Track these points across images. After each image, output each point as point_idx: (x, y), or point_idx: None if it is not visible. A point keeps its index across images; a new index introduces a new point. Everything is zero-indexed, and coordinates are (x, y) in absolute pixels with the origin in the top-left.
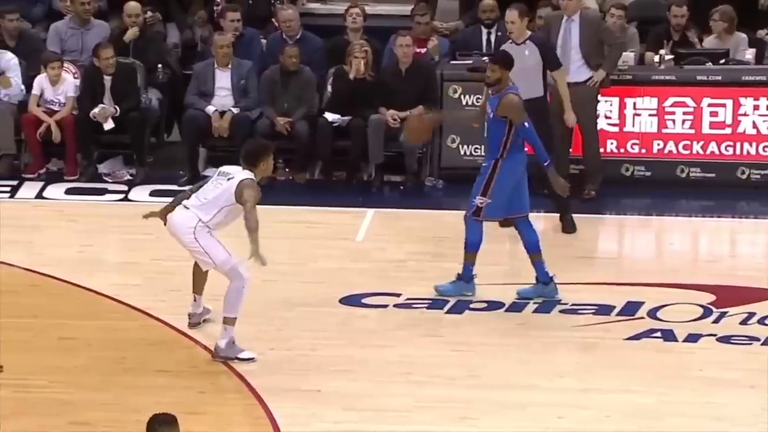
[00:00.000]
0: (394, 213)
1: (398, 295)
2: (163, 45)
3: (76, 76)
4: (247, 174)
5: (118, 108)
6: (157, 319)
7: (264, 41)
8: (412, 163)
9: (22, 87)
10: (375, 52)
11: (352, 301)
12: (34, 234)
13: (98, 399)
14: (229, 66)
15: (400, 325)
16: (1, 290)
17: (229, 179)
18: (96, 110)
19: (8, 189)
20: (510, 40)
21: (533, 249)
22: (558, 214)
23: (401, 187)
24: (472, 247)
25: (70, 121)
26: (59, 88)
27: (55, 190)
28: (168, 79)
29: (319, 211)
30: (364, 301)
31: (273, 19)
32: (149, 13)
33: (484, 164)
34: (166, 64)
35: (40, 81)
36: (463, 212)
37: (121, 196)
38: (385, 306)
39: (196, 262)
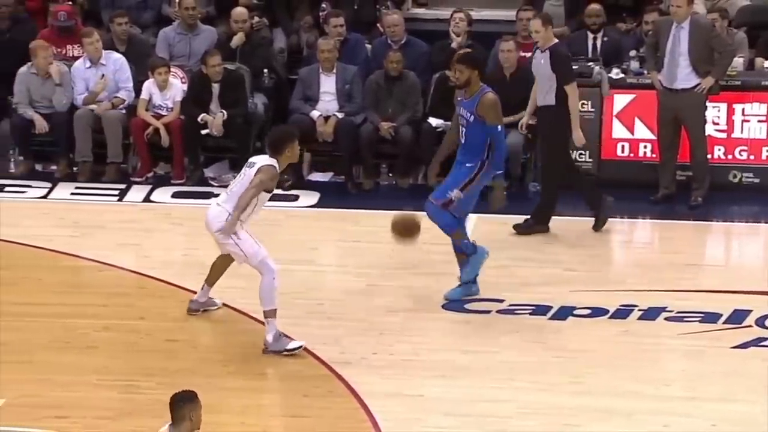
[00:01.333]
0: (497, 218)
1: (501, 301)
2: (270, 50)
3: (183, 81)
4: (268, 160)
5: (225, 112)
6: (260, 322)
7: (369, 46)
8: (516, 169)
9: (130, 88)
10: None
11: (454, 306)
12: (142, 237)
13: (203, 401)
14: (334, 71)
15: (502, 331)
16: (110, 292)
17: (251, 167)
18: (206, 118)
19: (116, 192)
20: (539, 49)
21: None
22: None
23: (505, 192)
24: (451, 227)
25: (178, 125)
26: (167, 93)
27: (162, 194)
28: (274, 84)
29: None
30: (467, 306)
31: (378, 24)
32: (256, 19)
33: (467, 164)
34: (272, 69)
35: (149, 86)
36: (564, 218)
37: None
38: (488, 312)
39: (219, 255)
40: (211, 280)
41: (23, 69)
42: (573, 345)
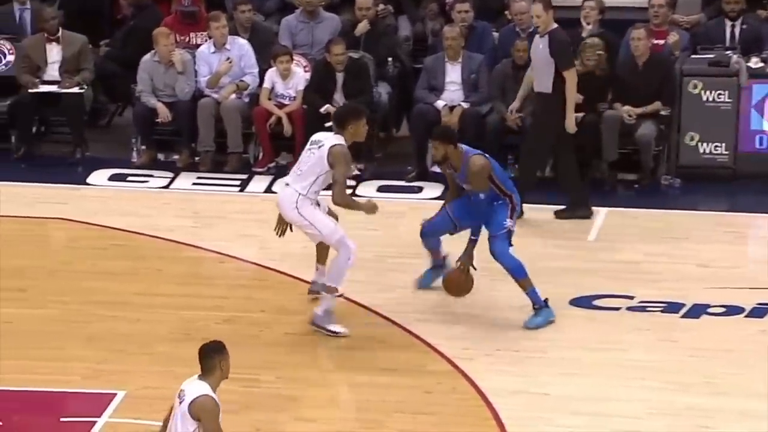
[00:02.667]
0: (628, 212)
1: (631, 298)
2: (394, 38)
3: (306, 69)
4: (336, 139)
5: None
6: (382, 316)
7: (496, 34)
8: (648, 161)
9: (255, 74)
10: (610, 46)
11: (582, 302)
12: (263, 228)
13: (323, 396)
14: (460, 59)
15: (632, 328)
16: (231, 284)
17: (320, 147)
18: (329, 109)
19: (238, 183)
20: (539, 34)
21: (437, 247)
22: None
23: (636, 186)
24: (521, 273)
25: (300, 114)
26: (290, 81)
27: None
28: (398, 73)
29: (550, 209)
30: (596, 303)
31: (506, 12)
32: (381, 6)
33: (496, 203)
34: (397, 58)
35: (271, 75)
36: (698, 212)
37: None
38: (617, 309)
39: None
40: (321, 259)
41: (146, 57)
42: (707, 344)
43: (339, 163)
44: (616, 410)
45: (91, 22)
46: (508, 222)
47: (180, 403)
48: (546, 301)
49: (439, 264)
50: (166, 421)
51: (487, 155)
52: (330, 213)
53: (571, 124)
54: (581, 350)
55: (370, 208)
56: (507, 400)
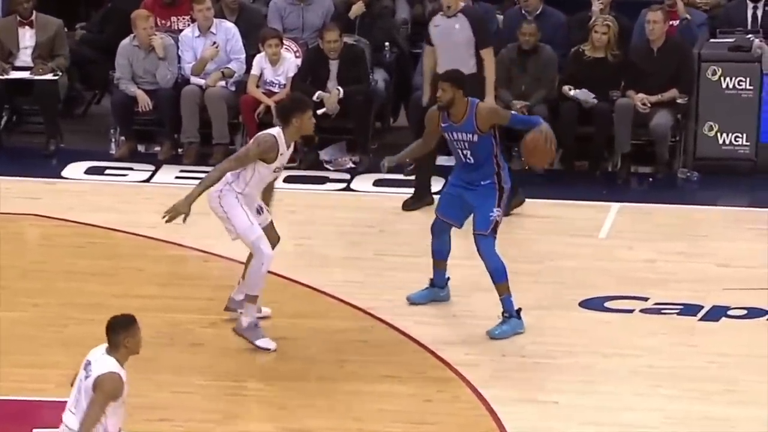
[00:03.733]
0: (642, 208)
1: (645, 299)
2: (392, 21)
3: (297, 55)
4: (271, 130)
5: (341, 89)
6: (381, 320)
7: (501, 17)
8: (664, 153)
9: (242, 60)
10: (622, 30)
11: (593, 304)
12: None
13: (316, 405)
14: None
15: (647, 332)
16: (217, 285)
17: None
18: (322, 95)
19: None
20: (440, 12)
21: (443, 257)
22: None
23: (650, 179)
24: (500, 276)
25: None
26: (279, 68)
27: None
28: (395, 59)
29: (559, 204)
30: (607, 305)
31: None
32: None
33: (483, 182)
34: (394, 42)
35: (260, 60)
36: (717, 208)
37: (343, 185)
38: (631, 311)
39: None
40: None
41: (125, 41)
42: (727, 349)
43: (256, 141)
44: (630, 420)
45: (66, 3)
46: (495, 213)
47: (86, 377)
48: (519, 311)
49: (439, 284)
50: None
51: None
52: (260, 211)
53: (489, 101)
54: (592, 356)
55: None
56: (513, 409)
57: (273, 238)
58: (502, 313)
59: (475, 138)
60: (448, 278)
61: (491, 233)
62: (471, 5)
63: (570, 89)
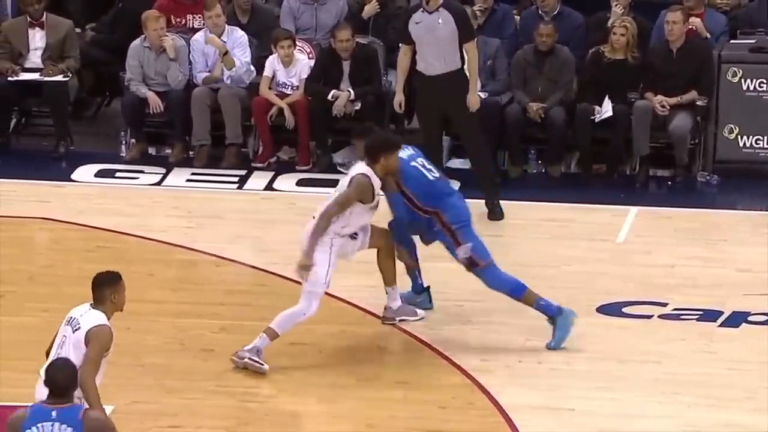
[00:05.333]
0: (660, 212)
1: (664, 305)
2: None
3: (310, 56)
4: (362, 169)
5: (352, 91)
6: (395, 325)
7: (518, 18)
8: (683, 156)
9: (252, 68)
10: (641, 30)
11: (611, 310)
12: (263, 229)
13: (329, 411)
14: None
15: (666, 338)
16: (228, 290)
17: (347, 177)
18: (337, 94)
19: (236, 179)
20: (420, 9)
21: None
22: (484, 201)
23: (669, 183)
24: (519, 292)
25: (303, 105)
26: (292, 69)
27: (286, 182)
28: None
29: (576, 208)
30: (625, 310)
31: None
32: None
33: (434, 228)
34: None
35: (272, 62)
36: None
37: None
38: (649, 316)
39: (378, 254)
40: (389, 281)
41: (136, 42)
42: (747, 356)
43: (355, 186)
44: (648, 428)
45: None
46: (461, 253)
47: (74, 331)
48: (559, 308)
49: (416, 290)
50: (48, 352)
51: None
52: (354, 237)
53: (475, 101)
54: (610, 362)
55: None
56: (528, 416)
57: (382, 235)
58: (548, 321)
59: (390, 197)
60: (428, 287)
61: (476, 267)
62: (453, 0)
63: (597, 114)
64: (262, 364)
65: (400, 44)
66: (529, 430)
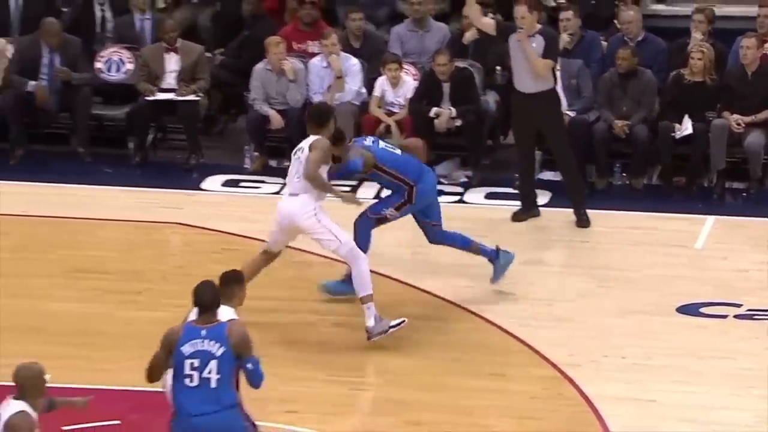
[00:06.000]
0: (736, 221)
1: (739, 306)
2: (503, 46)
3: (416, 78)
4: (314, 137)
5: (453, 109)
6: (490, 322)
7: (605, 43)
8: (757, 170)
9: (363, 90)
10: (719, 55)
11: (689, 310)
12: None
13: (431, 400)
14: (558, 65)
15: (741, 336)
16: None
17: (303, 151)
18: (438, 111)
19: (347, 189)
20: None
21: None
22: (572, 210)
23: (744, 194)
24: (466, 243)
25: (409, 122)
26: (399, 90)
27: None
28: (506, 81)
29: (657, 217)
30: (703, 310)
31: (615, 21)
32: (490, 15)
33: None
34: (505, 66)
35: (381, 83)
36: None
37: (457, 198)
38: (725, 316)
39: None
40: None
41: (259, 65)
42: None
43: (316, 148)
44: (724, 419)
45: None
46: (388, 211)
47: None
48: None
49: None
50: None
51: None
52: None
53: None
54: (688, 358)
55: (348, 199)
56: (613, 406)
57: None
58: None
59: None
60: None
61: (376, 221)
62: (547, 26)
63: (678, 131)
64: (395, 323)
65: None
66: (614, 419)
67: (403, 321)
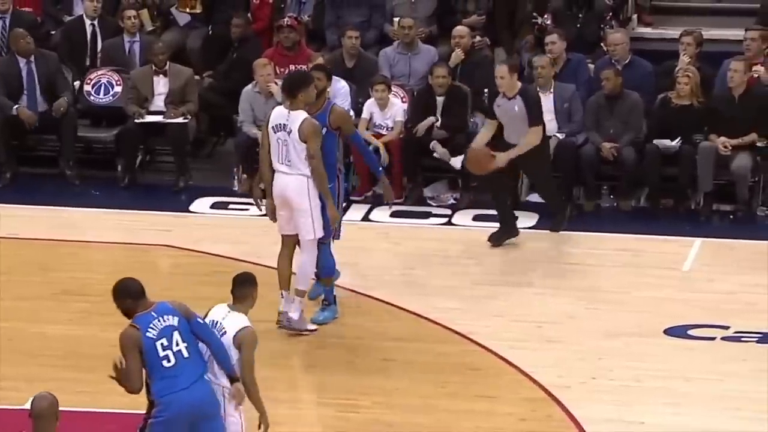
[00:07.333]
0: (723, 243)
1: (727, 328)
2: (490, 69)
3: (404, 100)
4: (301, 115)
5: (439, 117)
6: (479, 344)
7: (592, 66)
8: (744, 192)
9: (351, 113)
10: (705, 78)
11: (677, 332)
12: (360, 256)
13: (420, 422)
14: (551, 89)
15: (728, 358)
16: None
17: (288, 132)
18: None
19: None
20: (501, 94)
21: (328, 273)
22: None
23: (731, 217)
24: (330, 272)
25: (397, 144)
26: (387, 112)
27: (381, 213)
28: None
29: (645, 239)
30: (691, 332)
31: (601, 44)
32: (477, 38)
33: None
34: (492, 90)
35: (370, 105)
36: None
37: (445, 220)
38: (713, 338)
39: (280, 255)
40: (285, 284)
41: (248, 88)
42: None
43: (311, 137)
44: None
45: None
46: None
47: (221, 335)
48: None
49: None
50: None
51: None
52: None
53: (502, 160)
54: (676, 380)
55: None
56: (602, 428)
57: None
58: (322, 302)
59: (324, 131)
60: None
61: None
62: (528, 86)
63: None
64: (311, 328)
65: (486, 119)
66: None
67: (315, 329)
